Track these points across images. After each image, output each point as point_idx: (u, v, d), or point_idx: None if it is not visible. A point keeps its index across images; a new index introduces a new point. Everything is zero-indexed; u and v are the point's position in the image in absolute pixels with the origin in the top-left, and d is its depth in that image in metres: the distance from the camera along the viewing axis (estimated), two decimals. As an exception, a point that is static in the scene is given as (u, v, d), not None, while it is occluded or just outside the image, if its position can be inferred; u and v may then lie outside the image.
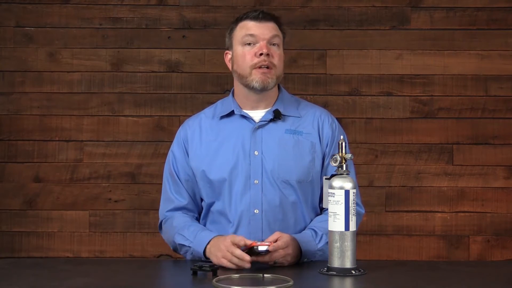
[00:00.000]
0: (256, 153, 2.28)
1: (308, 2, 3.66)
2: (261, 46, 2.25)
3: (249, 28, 2.28)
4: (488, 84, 3.63)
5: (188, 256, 2.26)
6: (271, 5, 3.63)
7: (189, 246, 2.23)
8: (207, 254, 2.16)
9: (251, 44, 2.27)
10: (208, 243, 2.17)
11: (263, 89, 2.28)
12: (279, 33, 2.31)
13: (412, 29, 3.65)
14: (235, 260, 2.05)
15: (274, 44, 2.28)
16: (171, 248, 2.35)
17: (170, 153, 2.40)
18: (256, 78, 2.26)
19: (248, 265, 2.04)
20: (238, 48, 2.29)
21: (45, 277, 1.98)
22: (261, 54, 2.24)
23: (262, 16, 2.28)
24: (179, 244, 2.27)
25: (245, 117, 2.32)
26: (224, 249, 2.08)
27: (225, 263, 2.07)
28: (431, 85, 3.64)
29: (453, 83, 3.64)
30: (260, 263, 2.08)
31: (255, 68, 2.25)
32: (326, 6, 3.65)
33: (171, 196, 2.36)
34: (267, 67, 2.25)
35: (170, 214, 2.35)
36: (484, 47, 3.64)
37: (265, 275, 1.92)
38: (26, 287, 1.85)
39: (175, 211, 2.35)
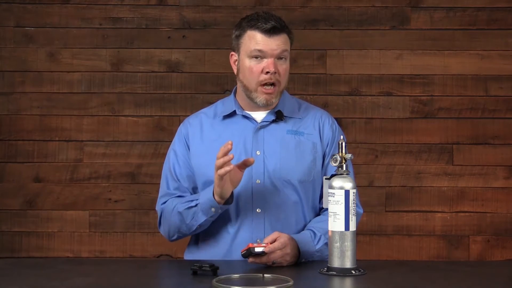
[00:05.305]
0: (258, 153, 2.28)
1: (308, 2, 3.65)
2: (268, 64, 2.24)
3: (258, 42, 2.24)
4: (488, 84, 3.63)
5: (195, 222, 2.22)
6: (271, 5, 3.63)
7: (196, 205, 2.21)
8: (215, 192, 2.15)
9: (259, 57, 2.25)
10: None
11: (265, 106, 2.29)
12: (288, 44, 2.29)
13: (412, 29, 3.65)
14: (220, 162, 2.06)
15: (281, 58, 2.27)
16: (174, 235, 2.30)
17: (170, 151, 2.39)
18: (260, 97, 2.26)
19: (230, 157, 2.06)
20: (245, 60, 2.27)
21: (45, 277, 1.98)
22: (267, 72, 2.24)
23: (273, 30, 2.24)
24: (186, 209, 2.23)
25: (247, 117, 2.33)
26: (215, 168, 2.09)
27: (221, 172, 2.07)
28: (431, 85, 3.64)
29: (453, 83, 3.64)
30: (259, 263, 2.08)
31: (261, 85, 2.25)
32: (326, 6, 3.65)
33: (170, 192, 2.34)
34: (272, 84, 2.25)
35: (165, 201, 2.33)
36: (484, 47, 3.63)
37: (265, 275, 1.92)
38: (26, 287, 1.85)
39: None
